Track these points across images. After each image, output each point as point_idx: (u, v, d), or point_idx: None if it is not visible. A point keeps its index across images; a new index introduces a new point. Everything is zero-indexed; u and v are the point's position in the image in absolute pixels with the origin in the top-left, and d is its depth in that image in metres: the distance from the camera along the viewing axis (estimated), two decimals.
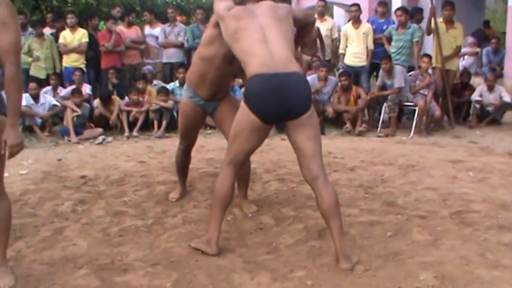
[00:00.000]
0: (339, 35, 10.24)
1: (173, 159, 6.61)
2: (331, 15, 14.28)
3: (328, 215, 3.43)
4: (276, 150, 6.87)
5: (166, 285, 3.29)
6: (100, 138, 8.29)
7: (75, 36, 9.72)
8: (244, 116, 3.52)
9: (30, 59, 9.80)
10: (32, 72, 9.80)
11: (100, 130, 8.62)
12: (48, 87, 9.49)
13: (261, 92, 3.41)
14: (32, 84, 8.88)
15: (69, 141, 8.30)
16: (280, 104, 3.39)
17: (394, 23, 9.46)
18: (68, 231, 4.29)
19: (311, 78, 8.99)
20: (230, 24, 3.64)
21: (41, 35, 9.90)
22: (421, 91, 8.59)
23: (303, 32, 4.17)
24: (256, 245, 3.91)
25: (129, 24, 10.29)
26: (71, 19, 9.79)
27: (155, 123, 8.74)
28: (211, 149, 7.14)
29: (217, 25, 3.89)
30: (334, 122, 8.92)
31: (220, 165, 3.81)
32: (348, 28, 9.61)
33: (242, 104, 3.55)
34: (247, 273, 3.43)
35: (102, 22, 10.46)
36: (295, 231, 4.16)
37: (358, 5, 9.64)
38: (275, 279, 3.33)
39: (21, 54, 2.95)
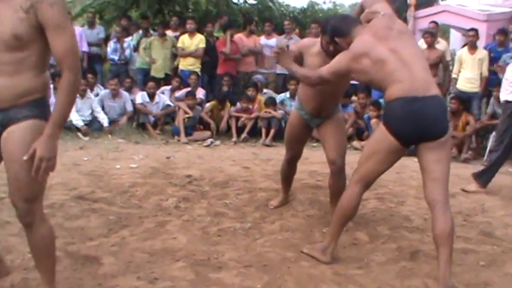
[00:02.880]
0: (452, 58, 10.02)
1: (277, 167, 6.69)
2: (448, 38, 13.98)
3: (440, 241, 3.39)
4: None
5: (256, 286, 3.39)
6: (208, 141, 8.57)
7: (192, 41, 10.10)
8: (382, 137, 3.56)
9: (147, 59, 10.33)
10: (153, 73, 10.35)
11: (209, 133, 8.92)
12: (167, 87, 9.95)
13: (401, 115, 3.44)
14: (151, 84, 9.41)
15: (179, 140, 8.64)
16: (418, 127, 3.42)
17: None
18: (169, 225, 4.49)
19: None
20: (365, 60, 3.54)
21: (163, 35, 10.41)
22: None
23: None
24: (348, 259, 3.93)
25: (250, 33, 10.55)
26: (190, 25, 10.20)
27: (263, 131, 8.89)
28: (315, 161, 7.16)
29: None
30: None
31: (349, 183, 3.85)
32: (463, 53, 9.35)
33: (381, 125, 3.61)
34: (336, 285, 3.47)
35: (216, 29, 10.79)
36: (388, 250, 4.14)
37: (475, 30, 9.35)
38: None
39: (79, 59, 2.69)
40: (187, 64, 10.21)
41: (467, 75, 9.22)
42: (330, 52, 3.96)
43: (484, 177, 6.18)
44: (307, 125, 4.59)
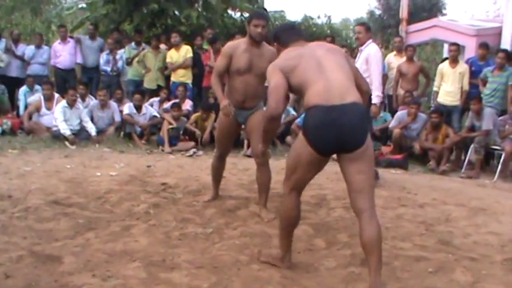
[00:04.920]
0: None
1: (253, 177, 6.94)
2: (440, 53, 14.22)
3: (367, 249, 3.42)
4: None
5: (203, 286, 3.60)
6: (191, 151, 8.84)
7: (180, 54, 10.45)
8: (302, 147, 3.50)
9: (143, 71, 10.65)
10: (145, 84, 10.74)
11: (193, 144, 9.16)
12: (156, 99, 10.31)
13: (318, 125, 3.38)
14: (137, 96, 9.73)
15: (163, 150, 8.93)
16: (335, 138, 3.37)
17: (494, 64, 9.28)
18: (134, 229, 4.73)
19: (401, 113, 9.27)
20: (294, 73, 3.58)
21: (156, 48, 10.80)
22: (511, 136, 8.42)
23: None
24: (299, 264, 4.10)
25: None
26: (174, 38, 10.60)
27: (245, 142, 9.11)
28: None
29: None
30: (420, 158, 8.91)
31: (282, 192, 3.87)
32: (445, 66, 9.57)
33: (300, 135, 3.55)
34: (281, 286, 3.65)
35: (205, 42, 11.08)
36: (340, 256, 4.29)
37: (457, 45, 9.57)
38: None
39: None
40: (178, 76, 10.55)
41: (448, 89, 9.43)
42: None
43: None
44: (235, 119, 5.15)
